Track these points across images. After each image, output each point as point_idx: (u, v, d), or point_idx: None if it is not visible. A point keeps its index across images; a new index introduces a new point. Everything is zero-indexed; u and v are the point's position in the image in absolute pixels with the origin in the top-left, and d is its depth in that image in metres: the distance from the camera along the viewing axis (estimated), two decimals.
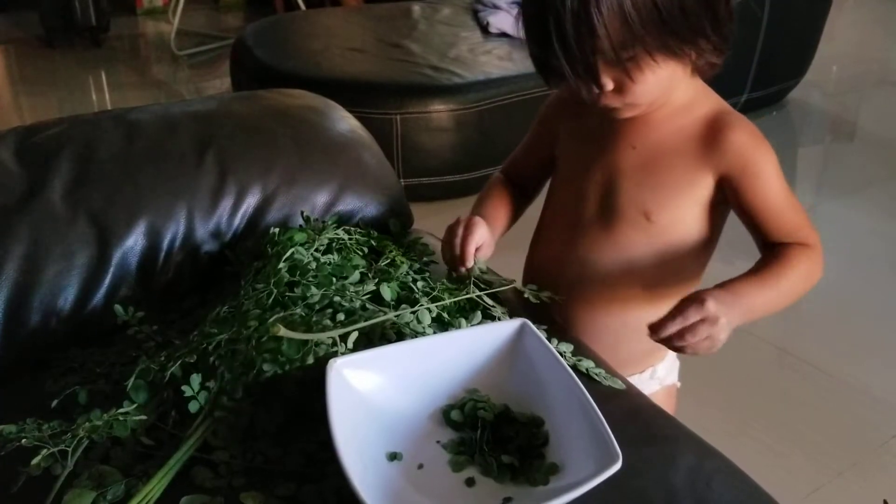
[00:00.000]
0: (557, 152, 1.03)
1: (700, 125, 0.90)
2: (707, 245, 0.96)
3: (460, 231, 0.94)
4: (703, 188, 0.91)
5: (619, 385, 0.87)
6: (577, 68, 0.81)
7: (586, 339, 0.98)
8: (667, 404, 1.09)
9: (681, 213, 0.93)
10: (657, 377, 1.07)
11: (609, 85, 0.83)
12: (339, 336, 0.80)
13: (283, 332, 0.77)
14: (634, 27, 0.78)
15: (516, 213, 1.08)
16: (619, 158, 0.94)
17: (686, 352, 0.81)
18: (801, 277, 0.90)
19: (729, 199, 0.91)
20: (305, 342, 0.79)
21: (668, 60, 0.82)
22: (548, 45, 0.81)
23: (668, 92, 0.88)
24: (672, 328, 0.80)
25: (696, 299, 0.80)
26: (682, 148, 0.91)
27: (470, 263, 0.93)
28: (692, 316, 0.79)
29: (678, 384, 1.13)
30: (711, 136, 0.89)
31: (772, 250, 0.91)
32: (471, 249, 0.93)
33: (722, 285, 0.85)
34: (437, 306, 0.89)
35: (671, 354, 1.09)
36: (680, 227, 0.94)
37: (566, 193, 1.01)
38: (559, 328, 0.95)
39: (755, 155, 0.89)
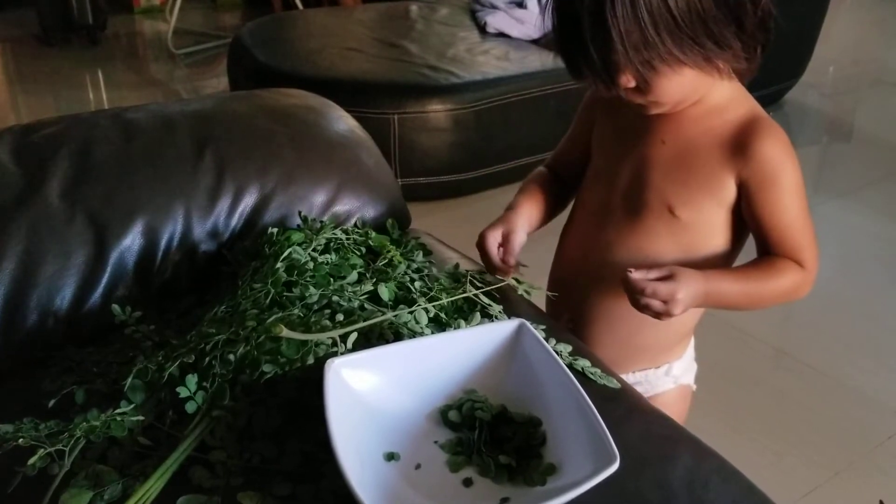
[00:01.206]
0: (592, 141, 1.04)
1: (732, 127, 0.90)
2: (731, 248, 0.97)
3: (494, 248, 0.99)
4: (726, 190, 0.91)
5: (614, 384, 0.87)
6: (595, 66, 0.82)
7: (603, 327, 1.00)
8: (679, 404, 1.10)
9: (704, 212, 0.93)
10: (673, 374, 1.08)
11: (629, 83, 0.84)
12: (339, 336, 0.80)
13: (284, 332, 0.77)
14: (648, 33, 0.78)
15: (556, 203, 1.09)
16: (648, 151, 0.95)
17: (640, 305, 0.87)
18: (781, 290, 0.92)
19: (742, 203, 0.92)
20: (305, 342, 0.79)
21: (688, 66, 0.82)
22: (568, 41, 0.83)
23: (695, 94, 0.89)
24: (641, 279, 0.86)
25: (672, 272, 0.87)
26: (709, 147, 0.91)
27: (512, 273, 0.99)
28: (665, 288, 0.86)
29: (693, 387, 1.14)
30: (741, 140, 0.90)
31: (766, 256, 0.93)
32: (511, 262, 0.98)
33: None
34: (434, 306, 0.89)
35: (688, 354, 1.10)
36: (703, 226, 0.94)
37: (597, 182, 1.03)
38: (557, 327, 0.96)
39: (779, 168, 0.89)
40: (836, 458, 1.58)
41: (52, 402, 0.81)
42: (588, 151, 1.06)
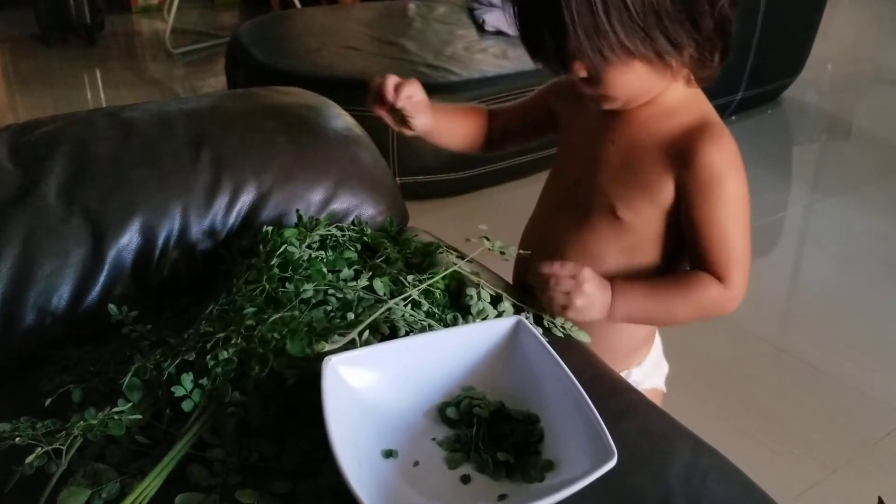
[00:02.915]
0: (559, 133, 1.04)
1: (679, 131, 0.89)
2: (674, 255, 0.95)
3: (392, 81, 0.96)
4: (663, 192, 0.90)
5: (584, 338, 0.92)
6: (548, 50, 0.83)
7: None
8: None
9: (644, 215, 0.92)
10: (632, 380, 1.06)
11: (581, 72, 0.83)
12: (358, 334, 0.80)
13: (327, 348, 0.77)
14: (600, 19, 0.77)
15: (466, 135, 1.10)
16: (599, 150, 0.94)
17: (545, 299, 0.90)
18: (696, 306, 0.92)
19: (680, 208, 0.90)
20: (311, 342, 0.78)
21: (640, 61, 0.82)
22: (526, 25, 0.84)
23: (646, 92, 0.88)
24: (547, 267, 0.89)
25: (578, 266, 0.89)
26: (655, 150, 0.90)
27: (396, 102, 0.95)
28: (566, 269, 0.88)
29: (663, 389, 1.13)
30: (685, 143, 0.88)
31: (686, 270, 0.93)
32: (397, 92, 0.95)
33: (616, 279, 0.92)
34: (419, 282, 0.89)
35: (650, 360, 1.09)
36: (643, 230, 0.93)
37: (556, 175, 1.04)
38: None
39: (720, 177, 0.87)
40: (834, 455, 1.58)
41: (48, 401, 0.81)
42: (527, 126, 1.07)
